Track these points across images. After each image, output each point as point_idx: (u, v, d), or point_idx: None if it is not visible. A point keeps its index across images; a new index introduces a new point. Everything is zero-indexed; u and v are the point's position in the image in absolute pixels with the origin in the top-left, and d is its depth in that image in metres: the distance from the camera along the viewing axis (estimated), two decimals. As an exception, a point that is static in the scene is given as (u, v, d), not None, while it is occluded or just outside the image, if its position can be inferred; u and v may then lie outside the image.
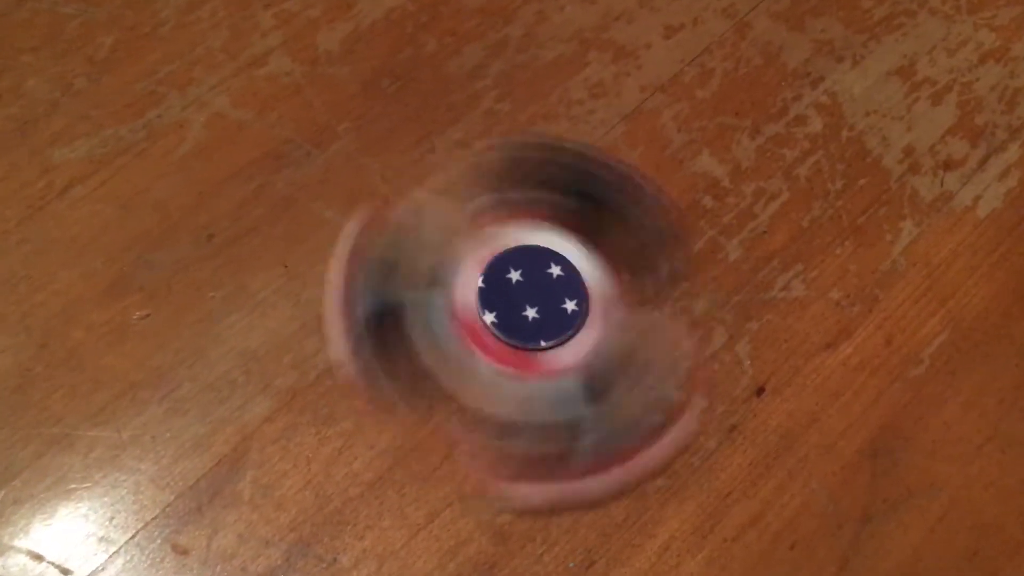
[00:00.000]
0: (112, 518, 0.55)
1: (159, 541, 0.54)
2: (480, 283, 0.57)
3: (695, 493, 0.58)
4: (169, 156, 0.64)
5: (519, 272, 0.58)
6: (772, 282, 0.63)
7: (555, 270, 0.58)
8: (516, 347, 0.57)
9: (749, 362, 0.61)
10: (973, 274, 0.64)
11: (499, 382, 0.56)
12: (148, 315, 0.59)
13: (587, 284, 0.58)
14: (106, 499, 0.55)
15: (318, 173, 0.64)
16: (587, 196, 0.61)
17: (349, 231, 0.60)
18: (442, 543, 0.56)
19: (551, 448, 0.55)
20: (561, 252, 0.59)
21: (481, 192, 0.62)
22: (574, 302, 0.57)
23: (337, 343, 0.58)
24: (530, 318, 0.57)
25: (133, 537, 0.55)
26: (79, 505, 0.55)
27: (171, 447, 0.56)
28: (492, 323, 0.57)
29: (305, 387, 0.58)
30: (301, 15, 0.69)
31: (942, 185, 0.67)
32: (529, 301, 0.57)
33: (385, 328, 0.57)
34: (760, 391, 0.60)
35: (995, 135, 0.69)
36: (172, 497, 0.55)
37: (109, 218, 0.62)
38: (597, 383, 0.56)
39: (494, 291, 0.57)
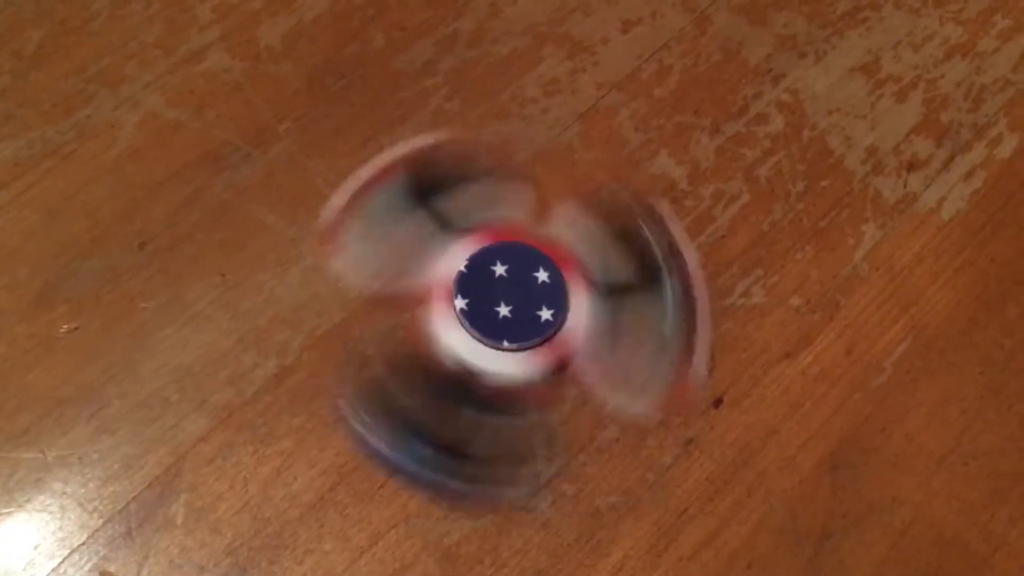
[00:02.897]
0: (37, 545, 0.52)
1: (87, 568, 0.52)
2: (463, 267, 0.55)
3: (650, 510, 0.56)
4: (99, 159, 0.61)
5: (505, 268, 0.55)
6: (731, 288, 0.61)
7: (542, 275, 0.55)
8: (479, 341, 0.55)
9: (707, 373, 0.59)
10: (936, 279, 0.62)
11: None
12: (76, 328, 0.56)
13: (570, 298, 0.56)
14: (30, 524, 0.52)
15: (258, 176, 0.61)
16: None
17: (422, 139, 0.57)
18: (386, 566, 0.53)
19: None
20: (552, 259, 0.56)
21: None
22: (551, 312, 0.55)
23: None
24: (501, 315, 0.55)
25: (59, 565, 0.52)
26: (1, 531, 0.52)
27: (99, 468, 0.54)
28: (462, 310, 0.54)
29: (242, 404, 0.56)
30: (241, 8, 0.66)
31: (905, 186, 0.65)
32: (505, 299, 0.55)
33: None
34: (718, 403, 0.58)
35: (960, 134, 0.67)
36: (101, 522, 0.53)
37: (35, 225, 0.59)
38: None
39: (474, 279, 0.55)
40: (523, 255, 0.56)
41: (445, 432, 0.53)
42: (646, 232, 0.57)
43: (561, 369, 0.55)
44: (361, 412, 0.53)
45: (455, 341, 0.54)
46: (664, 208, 0.61)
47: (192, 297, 0.58)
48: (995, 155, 0.67)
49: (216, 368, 0.56)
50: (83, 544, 0.52)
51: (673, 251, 0.57)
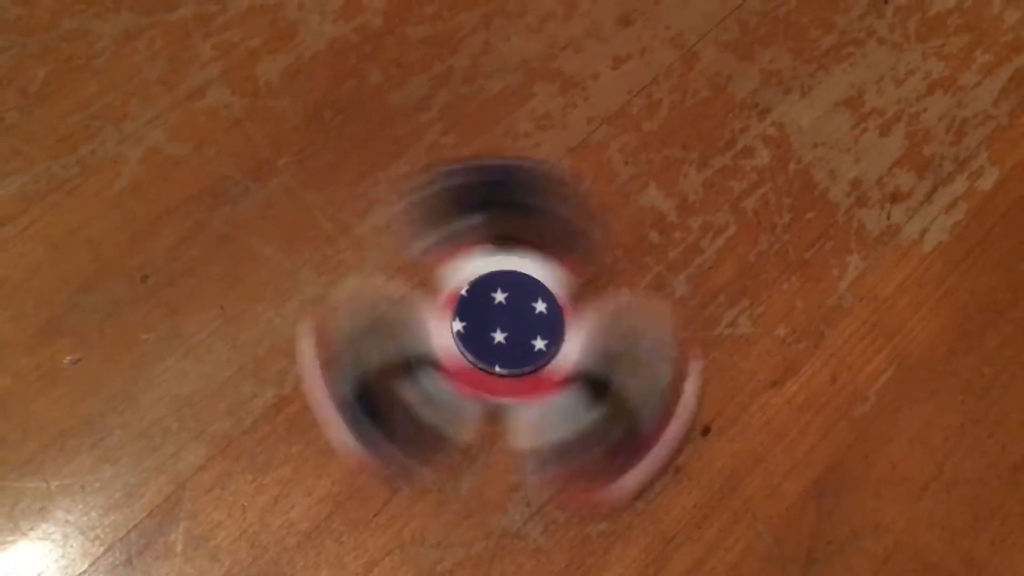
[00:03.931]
0: (40, 572, 0.53)
1: (88, 596, 0.53)
2: (464, 292, 0.57)
3: (639, 537, 0.57)
4: (103, 193, 0.62)
5: (505, 295, 0.57)
6: (718, 319, 0.63)
7: (540, 306, 0.57)
8: (471, 365, 0.56)
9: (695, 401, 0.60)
10: (919, 309, 0.64)
11: (509, 411, 0.56)
12: (79, 360, 0.58)
13: (566, 327, 0.57)
14: (34, 552, 0.54)
15: (257, 209, 0.63)
16: (507, 205, 0.60)
17: (305, 346, 0.57)
18: (381, 593, 0.55)
19: (587, 454, 0.54)
20: (552, 290, 0.58)
21: (420, 232, 0.61)
22: (545, 342, 0.56)
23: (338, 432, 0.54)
24: (495, 341, 0.56)
25: (61, 592, 0.53)
26: (4, 559, 0.53)
27: (101, 497, 0.55)
28: (458, 332, 0.56)
29: (241, 433, 0.57)
30: (241, 45, 0.68)
31: (889, 218, 0.67)
32: (502, 325, 0.56)
33: (375, 402, 0.55)
34: (706, 431, 0.60)
35: (942, 167, 0.69)
36: (102, 550, 0.54)
37: (40, 259, 0.60)
38: (595, 385, 0.55)
39: (474, 304, 0.57)
40: (524, 285, 0.58)
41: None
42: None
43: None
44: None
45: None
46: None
47: (192, 329, 0.59)
48: (976, 187, 0.68)
49: (215, 398, 0.58)
50: (84, 572, 0.53)
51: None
